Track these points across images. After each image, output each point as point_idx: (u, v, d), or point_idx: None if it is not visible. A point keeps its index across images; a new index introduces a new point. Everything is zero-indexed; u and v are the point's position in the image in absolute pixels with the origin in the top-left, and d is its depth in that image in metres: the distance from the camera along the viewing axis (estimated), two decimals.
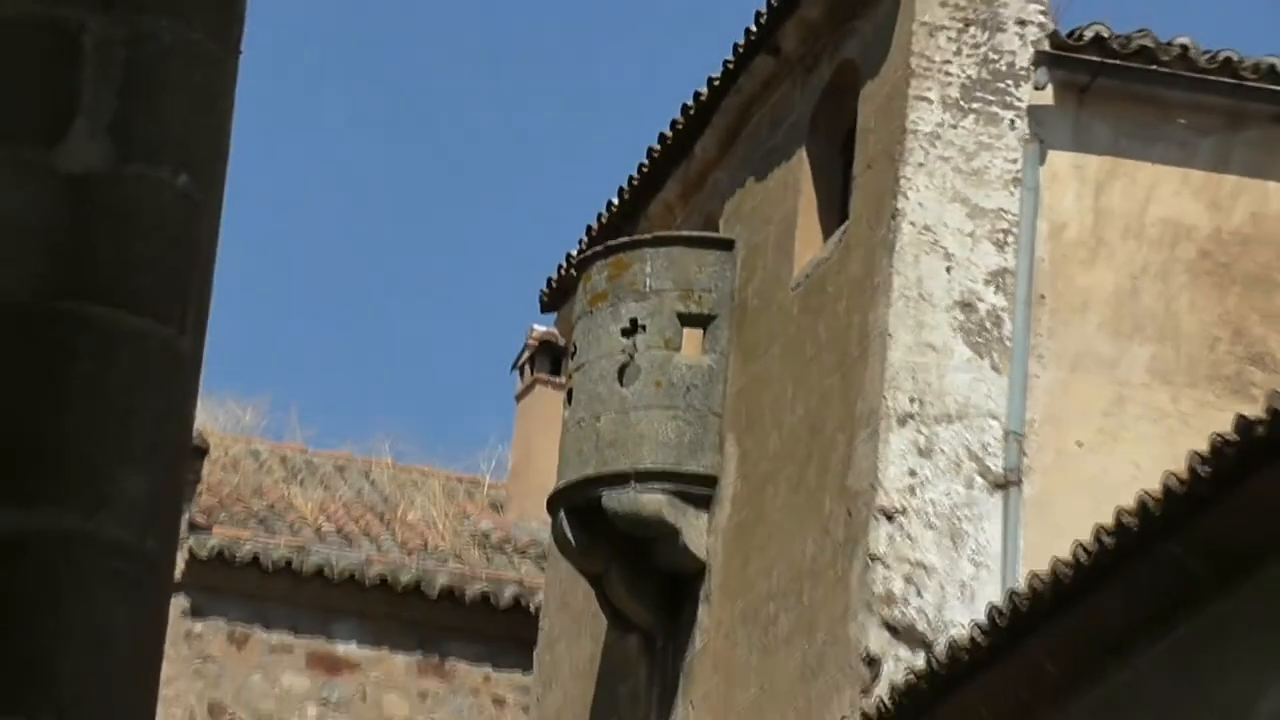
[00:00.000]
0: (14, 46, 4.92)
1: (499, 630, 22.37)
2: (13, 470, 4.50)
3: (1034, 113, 15.78)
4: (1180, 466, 11.91)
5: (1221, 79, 15.88)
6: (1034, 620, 12.86)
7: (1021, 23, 15.93)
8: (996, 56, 15.90)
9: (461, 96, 51.81)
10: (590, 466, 17.61)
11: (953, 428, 15.41)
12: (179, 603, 19.79)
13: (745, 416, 17.39)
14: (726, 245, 17.96)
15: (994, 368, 15.48)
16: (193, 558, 21.07)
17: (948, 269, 15.57)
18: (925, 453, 15.32)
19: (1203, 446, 11.73)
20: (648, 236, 18.50)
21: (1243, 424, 11.43)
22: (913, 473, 15.24)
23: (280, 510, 23.14)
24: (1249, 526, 11.70)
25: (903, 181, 15.56)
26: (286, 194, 46.63)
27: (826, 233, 16.94)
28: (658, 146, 18.91)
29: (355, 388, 47.32)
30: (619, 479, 17.38)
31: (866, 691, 14.62)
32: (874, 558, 15.02)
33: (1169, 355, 15.71)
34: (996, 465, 15.34)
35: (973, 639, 13.26)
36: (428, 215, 49.44)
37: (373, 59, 50.17)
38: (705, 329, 17.70)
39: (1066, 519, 14.21)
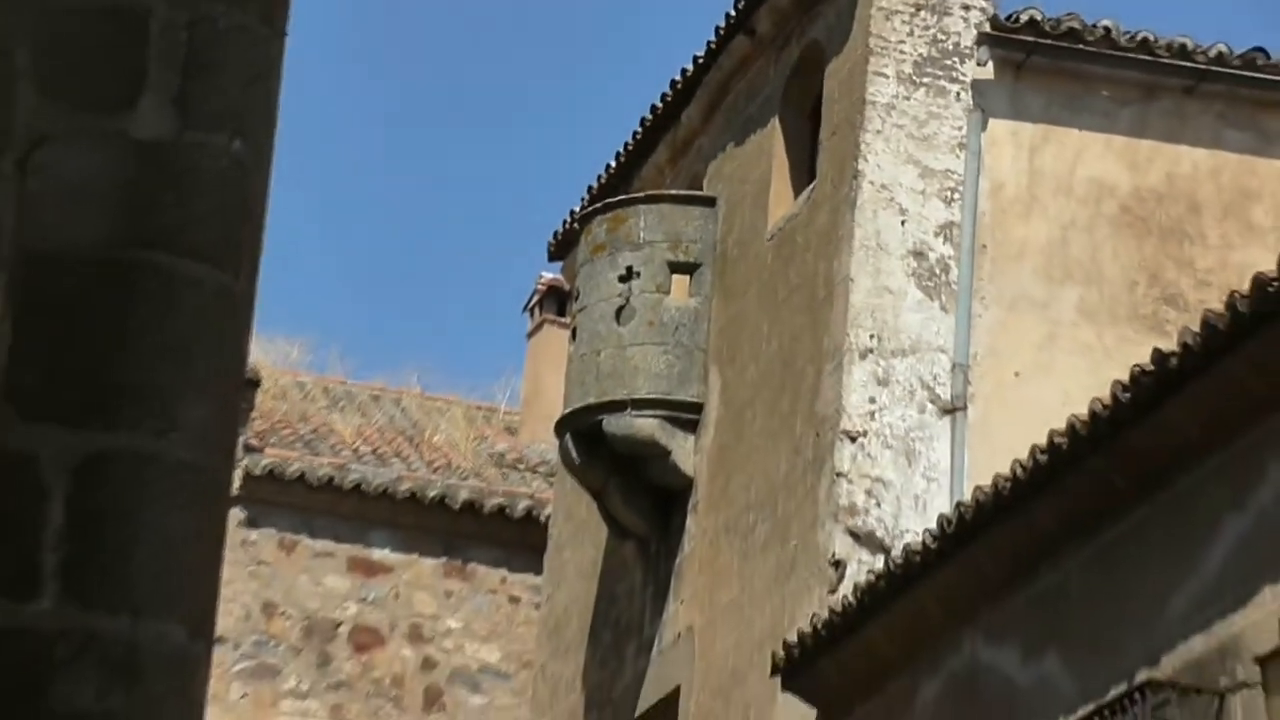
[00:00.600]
0: (92, 30, 5.04)
1: (513, 538, 22.56)
2: (95, 398, 4.77)
3: (976, 86, 16.08)
4: (1104, 393, 12.28)
5: (1139, 56, 16.27)
6: (977, 527, 13.12)
7: (966, 7, 16.26)
8: (944, 37, 16.20)
9: (484, 69, 53.58)
10: (591, 395, 17.82)
11: (906, 361, 15.64)
12: (236, 514, 20.21)
13: (726, 351, 17.67)
14: (710, 202, 18.30)
15: (942, 308, 15.76)
16: (248, 475, 21.29)
17: (902, 222, 15.90)
18: (883, 382, 15.55)
19: (1124, 376, 12.11)
20: (641, 195, 18.83)
21: (1158, 356, 11.73)
22: (872, 400, 15.51)
23: (323, 434, 23.45)
24: (1163, 444, 11.96)
25: (863, 146, 15.90)
26: (333, 172, 47.60)
27: (796, 191, 17.26)
28: (649, 116, 19.39)
29: (389, 327, 48.18)
30: (617, 406, 17.59)
31: (833, 590, 14.86)
32: (839, 474, 15.28)
33: (1094, 297, 15.98)
34: (945, 393, 15.60)
35: (924, 544, 13.65)
36: (451, 178, 51.36)
37: (403, 31, 51.01)
38: (691, 275, 18.01)
39: (1006, 440, 14.35)
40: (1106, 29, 15.91)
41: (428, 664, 21.66)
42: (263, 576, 21.42)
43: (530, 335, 25.72)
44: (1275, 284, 10.92)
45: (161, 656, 4.76)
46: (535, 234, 37.24)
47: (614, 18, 52.55)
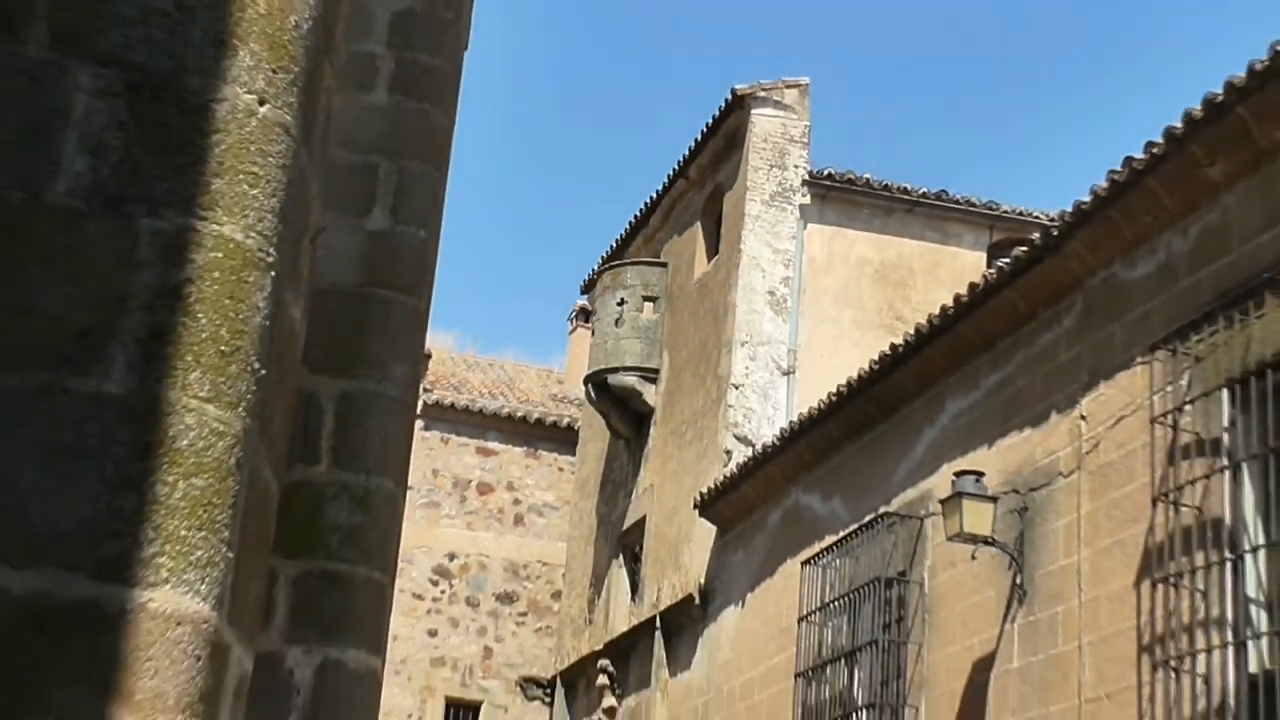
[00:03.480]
0: (348, 174, 5.25)
1: (561, 438, 22.87)
2: (345, 363, 5.13)
3: (802, 207, 16.70)
4: (865, 366, 12.78)
5: (881, 193, 16.76)
6: (799, 434, 13.66)
7: (796, 167, 16.80)
8: (785, 182, 16.72)
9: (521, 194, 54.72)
10: (602, 364, 18.44)
11: (764, 348, 16.10)
12: (419, 424, 19.36)
13: (673, 343, 18.05)
14: (664, 265, 18.77)
15: (784, 321, 16.24)
16: (424, 404, 21.23)
17: (762, 276, 16.41)
18: (752, 358, 16.04)
19: (874, 356, 12.59)
20: (628, 261, 19.28)
21: (892, 347, 12.19)
22: (746, 368, 16.02)
23: (461, 383, 23.86)
24: (895, 391, 12.36)
25: (743, 236, 16.48)
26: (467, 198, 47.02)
27: (709, 259, 17.73)
28: (633, 220, 19.91)
29: (496, 325, 52.35)
30: (616, 370, 18.23)
31: (725, 466, 15.47)
32: (729, 406, 15.91)
33: (860, 316, 16.50)
34: (784, 365, 16.08)
35: (773, 443, 14.18)
36: (537, 236, 54.35)
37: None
38: (654, 302, 18.36)
39: (815, 390, 14.54)
40: (867, 179, 16.77)
41: (516, 502, 22.65)
42: (431, 455, 22.08)
43: (571, 332, 25.73)
44: (950, 309, 11.40)
45: (382, 495, 5.10)
46: (574, 279, 40.53)
47: (624, 165, 53.85)
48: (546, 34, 52.55)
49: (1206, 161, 8.90)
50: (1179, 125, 8.96)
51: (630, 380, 18.15)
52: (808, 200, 16.67)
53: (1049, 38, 50.74)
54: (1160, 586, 8.68)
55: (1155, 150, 9.18)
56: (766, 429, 15.57)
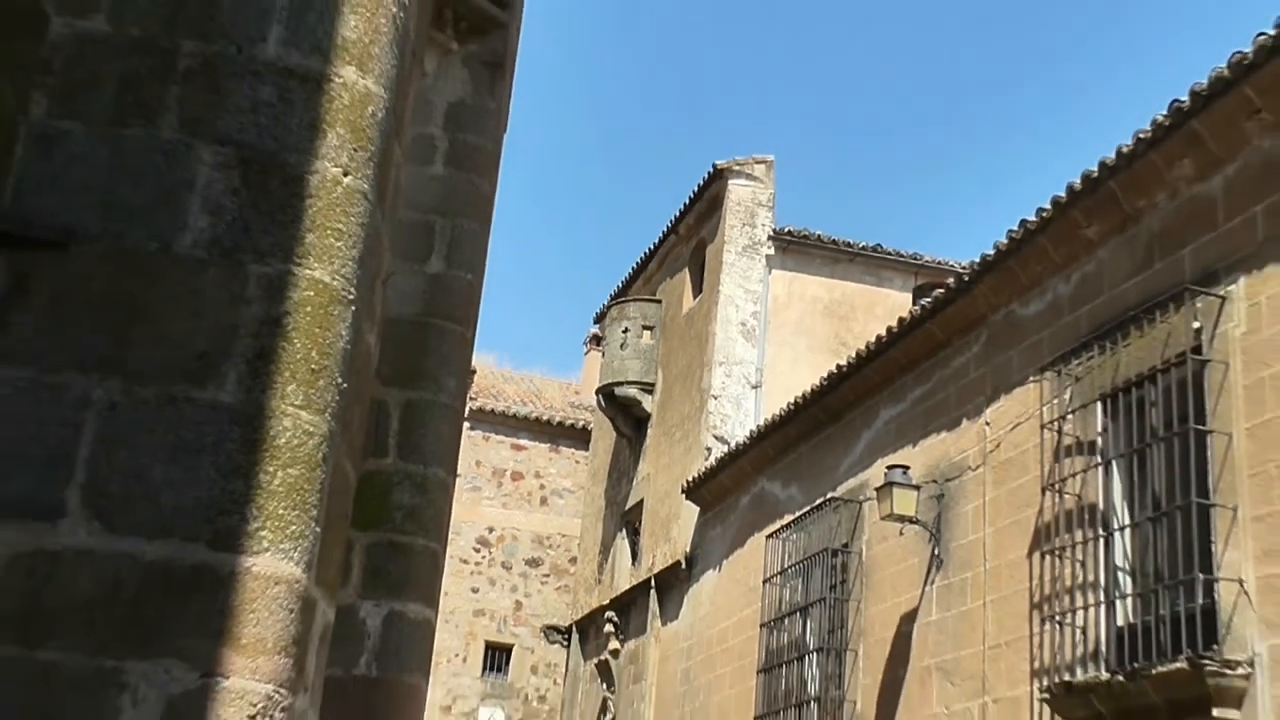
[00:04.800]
0: (413, 229, 5.10)
1: (578, 437, 22.43)
2: (408, 378, 5.03)
3: (767, 257, 16.33)
4: (816, 382, 12.33)
5: (827, 247, 16.42)
6: (765, 436, 13.34)
7: (764, 225, 16.41)
8: (754, 236, 16.42)
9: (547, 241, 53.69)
10: (610, 379, 18.03)
11: (738, 367, 15.84)
12: (466, 426, 17.09)
13: (666, 362, 17.68)
14: (659, 301, 18.29)
15: (753, 346, 15.93)
16: (469, 410, 20.51)
17: (736, 310, 16.09)
18: (728, 375, 15.78)
19: (824, 374, 12.29)
20: (631, 298, 18.76)
21: (838, 367, 11.96)
22: (724, 383, 15.79)
23: (499, 393, 23.43)
24: (840, 404, 12.09)
25: (721, 280, 16.21)
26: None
27: (694, 297, 17.34)
28: (636, 266, 19.45)
29: (527, 347, 51.65)
30: (621, 383, 17.84)
31: (707, 460, 15.12)
32: (709, 413, 15.66)
33: (813, 343, 16.10)
34: (753, 380, 15.80)
35: (744, 442, 13.84)
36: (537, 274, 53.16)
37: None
38: (651, 331, 17.94)
39: (777, 401, 14.29)
40: (819, 235, 16.49)
41: (541, 487, 22.32)
42: (475, 450, 21.87)
43: (586, 354, 25.23)
44: (883, 338, 11.16)
45: (436, 481, 5.04)
46: (588, 312, 40.01)
47: (611, 219, 53.33)
48: (575, 116, 53.21)
49: (1085, 224, 8.95)
50: (1063, 195, 8.99)
51: (632, 391, 17.91)
52: (772, 252, 16.45)
53: (966, 117, 51.19)
54: (1047, 557, 8.67)
55: (1044, 214, 9.20)
56: (739, 431, 15.39)
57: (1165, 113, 7.98)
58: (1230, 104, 7.55)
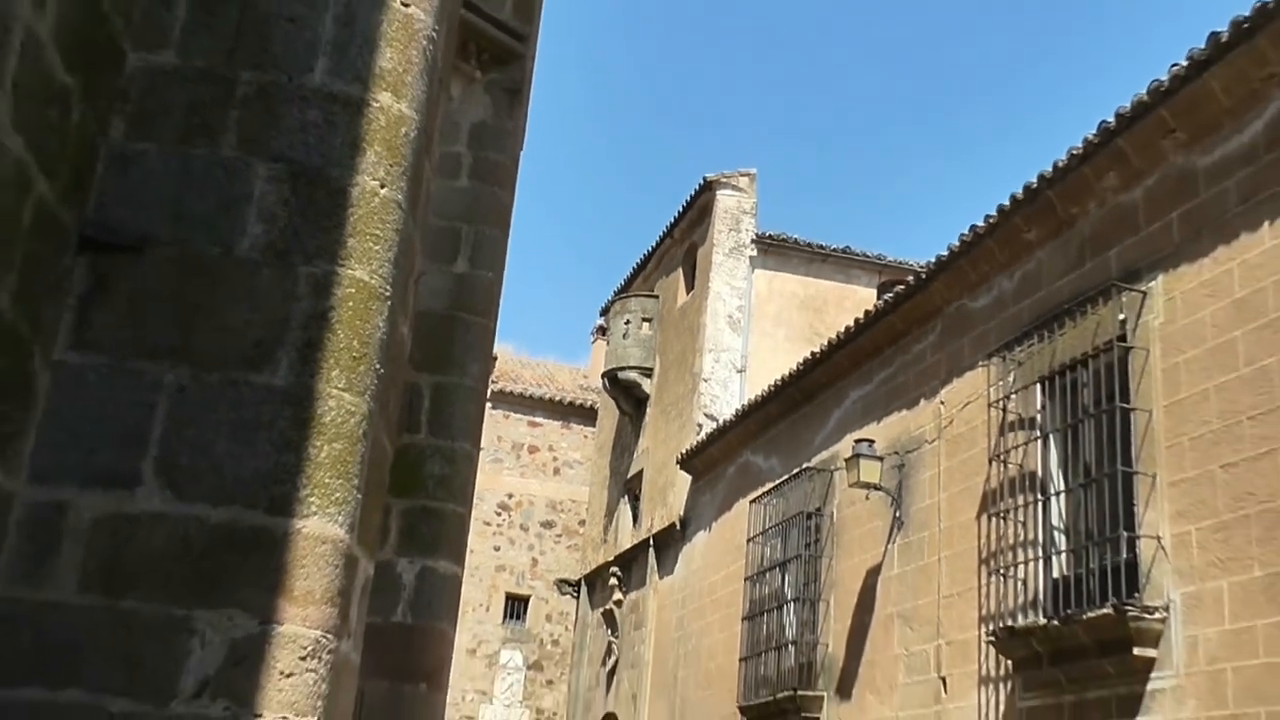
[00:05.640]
0: (440, 236, 4.82)
1: (587, 415, 22.18)
2: (437, 365, 5.08)
3: (751, 258, 16.08)
4: (794, 366, 12.11)
5: (802, 248, 16.13)
6: (749, 414, 13.18)
7: (747, 230, 16.14)
8: (739, 239, 16.18)
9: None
10: (614, 365, 17.80)
11: (725, 354, 15.62)
12: (488, 406, 18.59)
13: (662, 350, 17.43)
14: (656, 297, 17.97)
15: (739, 336, 15.72)
16: (491, 392, 20.19)
17: (723, 304, 15.85)
18: (717, 361, 15.60)
19: (801, 359, 12.16)
20: (632, 294, 18.44)
21: (811, 354, 11.77)
22: (713, 368, 15.59)
23: (516, 375, 23.30)
24: (815, 385, 11.72)
25: (710, 278, 15.97)
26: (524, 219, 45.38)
27: (687, 292, 17.13)
28: (637, 264, 19.16)
29: (542, 336, 49.89)
30: (624, 368, 17.61)
31: (699, 435, 15.03)
32: (700, 394, 15.44)
33: (790, 333, 15.56)
34: (738, 365, 15.58)
35: (730, 419, 13.69)
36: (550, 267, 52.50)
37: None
38: (650, 323, 17.69)
39: (759, 384, 14.25)
40: (795, 239, 16.22)
41: (554, 459, 22.12)
42: (496, 426, 21.57)
43: (593, 343, 24.93)
44: (851, 328, 11.13)
45: (463, 454, 5.14)
46: (594, 305, 39.51)
47: (616, 225, 53.08)
48: (585, 134, 53.02)
49: (1026, 229, 8.92)
50: (1007, 203, 8.95)
51: (633, 375, 17.79)
52: (755, 253, 16.31)
53: (923, 134, 51.14)
54: (994, 519, 8.69)
55: (991, 220, 9.17)
56: (726, 409, 15.32)
57: (1094, 132, 7.96)
58: (1149, 125, 7.59)
